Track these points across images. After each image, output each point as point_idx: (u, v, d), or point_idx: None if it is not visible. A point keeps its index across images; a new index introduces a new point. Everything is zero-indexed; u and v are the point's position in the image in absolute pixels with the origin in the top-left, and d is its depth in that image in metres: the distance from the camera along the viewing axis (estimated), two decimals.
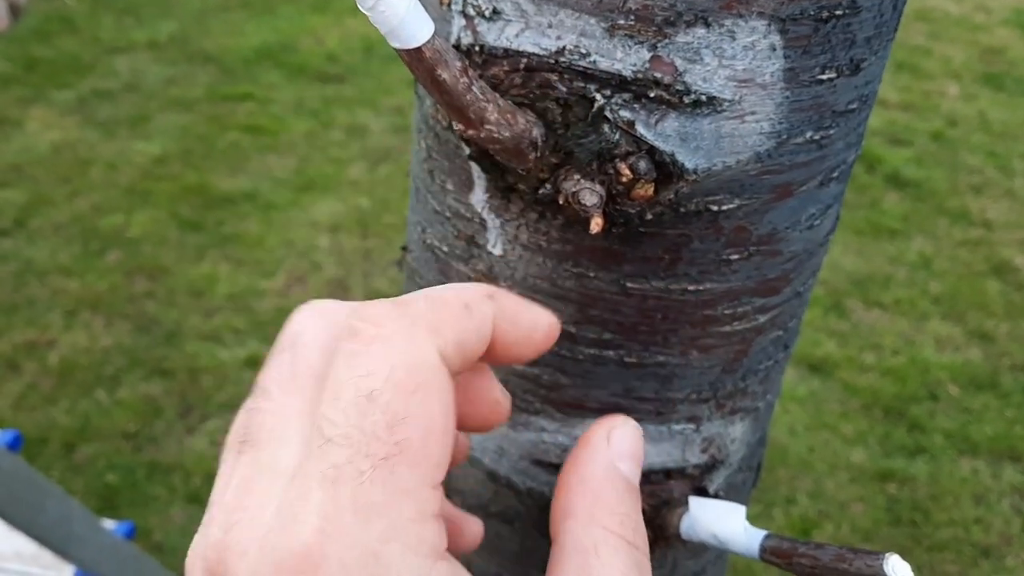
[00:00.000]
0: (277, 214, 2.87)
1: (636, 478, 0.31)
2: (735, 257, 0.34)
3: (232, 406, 2.23)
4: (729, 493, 0.42)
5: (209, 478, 2.05)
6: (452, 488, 0.42)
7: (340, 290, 2.58)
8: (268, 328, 2.45)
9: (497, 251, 0.35)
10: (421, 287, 0.40)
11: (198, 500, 2.01)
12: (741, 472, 0.42)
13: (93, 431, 2.14)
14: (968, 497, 2.13)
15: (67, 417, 2.17)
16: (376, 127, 3.32)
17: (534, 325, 0.29)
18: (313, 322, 0.28)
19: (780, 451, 2.21)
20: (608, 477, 0.30)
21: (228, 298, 2.54)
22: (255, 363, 2.34)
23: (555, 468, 0.38)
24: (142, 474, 2.05)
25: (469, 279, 0.36)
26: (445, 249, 0.37)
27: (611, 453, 0.31)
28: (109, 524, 1.18)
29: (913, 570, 0.31)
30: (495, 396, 0.31)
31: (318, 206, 2.91)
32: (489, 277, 0.36)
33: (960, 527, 2.06)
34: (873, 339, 2.53)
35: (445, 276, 0.38)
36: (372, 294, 2.56)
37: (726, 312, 0.35)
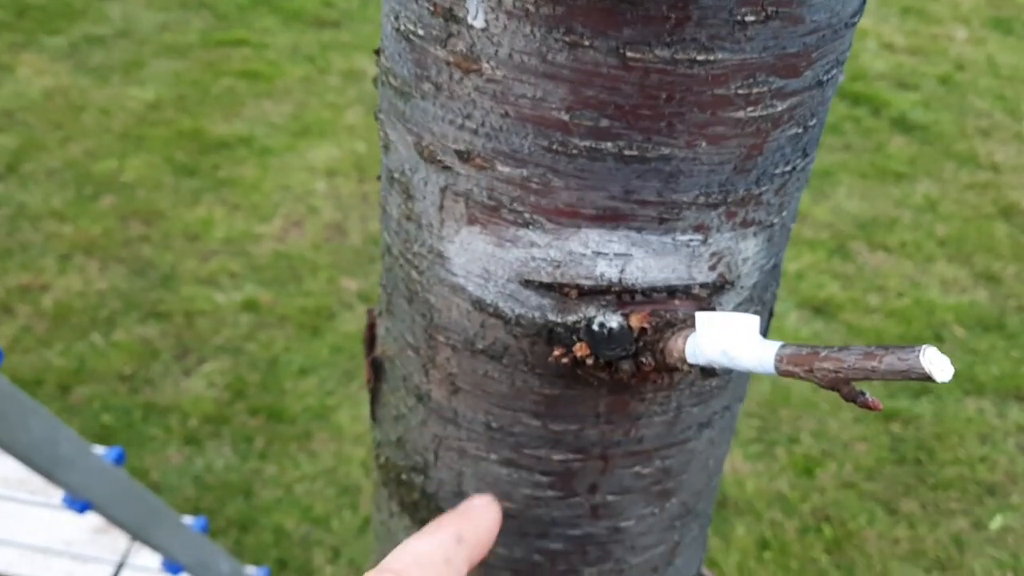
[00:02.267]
0: (273, 159, 2.82)
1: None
2: (751, 19, 0.29)
3: (229, 349, 2.20)
4: None
5: (206, 419, 2.03)
6: (434, 325, 0.38)
7: (338, 234, 2.55)
8: (265, 272, 2.42)
9: (479, 23, 0.31)
10: (395, 88, 0.36)
11: (195, 441, 1.99)
12: (753, 303, 0.38)
13: (89, 373, 2.12)
14: (973, 436, 2.11)
15: (62, 359, 2.14)
16: (373, 72, 3.26)
17: (493, 532, 0.36)
18: None
19: (783, 391, 2.19)
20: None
21: (224, 242, 2.50)
22: (252, 307, 2.31)
23: (547, 288, 0.35)
24: (138, 415, 2.03)
25: (448, 65, 0.32)
26: (420, 32, 0.33)
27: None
28: (99, 450, 1.15)
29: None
30: None
31: (315, 151, 2.86)
32: (470, 59, 0.31)
33: (965, 466, 2.04)
34: (878, 281, 2.50)
35: (420, 67, 0.33)
36: (369, 238, 2.52)
37: (739, 92, 0.31)
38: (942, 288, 2.49)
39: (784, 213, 0.36)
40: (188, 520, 1.45)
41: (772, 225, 0.36)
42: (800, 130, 0.34)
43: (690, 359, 0.33)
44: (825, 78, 0.33)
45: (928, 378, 0.27)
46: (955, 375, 2.25)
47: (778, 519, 1.91)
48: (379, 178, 0.40)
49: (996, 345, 2.32)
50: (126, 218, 2.57)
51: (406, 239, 0.38)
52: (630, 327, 0.33)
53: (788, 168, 0.35)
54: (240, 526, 1.83)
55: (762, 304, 0.39)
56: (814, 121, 0.34)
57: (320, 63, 3.27)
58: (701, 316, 0.32)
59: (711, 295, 0.35)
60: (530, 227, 0.33)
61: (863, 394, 0.29)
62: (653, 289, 0.34)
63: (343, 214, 2.62)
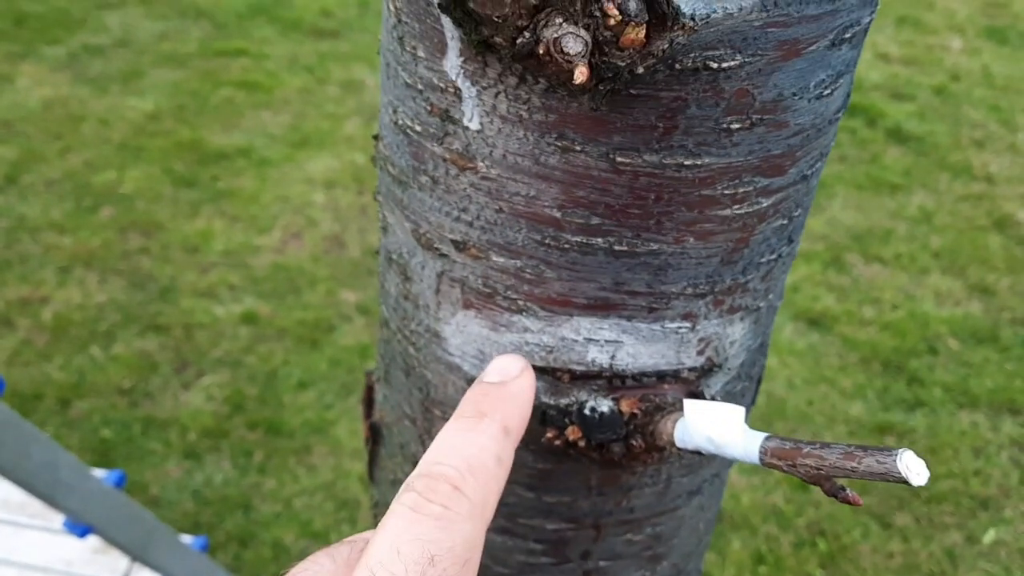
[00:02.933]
0: (272, 170, 2.83)
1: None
2: (736, 127, 0.31)
3: (228, 362, 2.21)
4: (727, 401, 0.39)
5: (205, 433, 2.04)
6: (431, 399, 0.40)
7: (336, 246, 2.56)
8: (264, 284, 2.43)
9: (474, 125, 0.32)
10: (393, 176, 0.37)
11: (194, 455, 2.00)
12: (740, 380, 0.39)
13: (88, 387, 2.13)
14: (967, 449, 2.12)
15: (61, 373, 2.15)
16: (371, 82, 3.27)
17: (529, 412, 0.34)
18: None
19: (778, 404, 2.20)
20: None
21: (223, 254, 2.52)
22: (251, 319, 2.32)
23: (540, 371, 0.36)
24: (138, 429, 2.04)
25: (444, 161, 0.34)
26: (418, 128, 0.34)
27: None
28: (99, 473, 1.16)
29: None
30: None
31: (313, 162, 2.87)
32: (465, 157, 0.33)
33: (959, 479, 2.06)
34: (873, 293, 2.51)
35: (418, 160, 0.35)
36: (368, 249, 2.53)
37: (726, 192, 0.32)
38: (936, 300, 2.50)
39: (770, 296, 0.38)
40: (188, 539, 1.46)
41: (758, 309, 0.37)
42: (785, 221, 0.35)
43: (678, 443, 0.34)
44: (810, 172, 0.35)
45: (904, 482, 0.28)
46: (948, 388, 2.26)
47: (773, 533, 1.92)
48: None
49: (990, 358, 2.33)
50: (125, 230, 2.58)
51: (403, 317, 0.39)
52: (620, 411, 0.35)
53: (774, 256, 0.36)
54: (239, 540, 1.84)
55: (749, 379, 0.40)
56: (799, 211, 0.36)
57: (319, 73, 3.28)
58: (689, 404, 0.33)
59: (699, 378, 0.36)
60: (524, 314, 0.35)
61: (844, 490, 0.30)
62: (643, 374, 0.35)
63: (342, 226, 2.64)
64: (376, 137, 0.39)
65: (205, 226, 2.60)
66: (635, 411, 0.35)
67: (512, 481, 0.39)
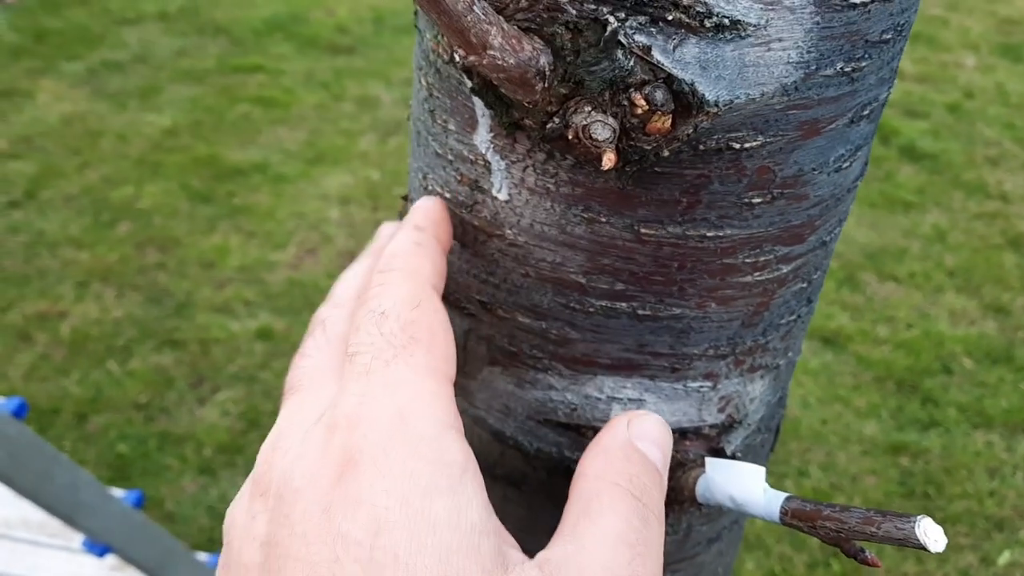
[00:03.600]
0: (288, 186, 2.85)
1: (658, 459, 0.33)
2: (758, 201, 0.32)
3: (243, 378, 2.23)
4: (747, 455, 0.40)
5: (220, 449, 2.06)
6: None
7: (351, 261, 2.58)
8: (279, 300, 2.45)
9: (502, 196, 0.33)
10: None
11: (209, 471, 2.02)
12: (760, 433, 0.40)
13: (105, 402, 2.15)
14: (982, 470, 2.11)
15: (79, 388, 2.18)
16: (387, 99, 3.30)
17: (444, 210, 0.36)
18: (330, 310, 0.36)
19: (793, 423, 2.20)
20: (623, 447, 0.32)
21: (239, 270, 2.54)
22: (266, 335, 2.34)
23: (564, 428, 0.37)
24: (154, 444, 2.06)
25: (473, 228, 0.35)
26: (447, 195, 0.35)
27: (630, 432, 0.33)
28: (118, 493, 1.18)
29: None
30: None
31: (329, 178, 2.89)
32: (494, 224, 0.34)
33: (974, 500, 2.05)
34: (887, 312, 2.51)
35: None
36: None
37: (747, 261, 0.33)
38: (951, 319, 2.50)
39: (790, 353, 0.39)
40: (204, 557, 1.47)
41: (778, 367, 0.38)
42: (805, 284, 0.36)
43: (700, 499, 0.35)
44: (828, 238, 0.36)
45: (923, 547, 0.29)
46: (963, 408, 2.26)
47: (787, 553, 1.92)
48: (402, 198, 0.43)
49: (1005, 378, 2.33)
50: (142, 245, 2.61)
51: None
52: None
53: (793, 318, 0.37)
54: None
55: (768, 431, 0.41)
56: (818, 274, 0.37)
57: (335, 90, 3.31)
58: (711, 463, 0.34)
59: (720, 434, 0.37)
60: (548, 372, 0.36)
61: (863, 551, 0.31)
62: None
63: (356, 242, 2.65)
64: (405, 198, 0.40)
65: (221, 242, 2.62)
66: None
67: (535, 531, 0.40)
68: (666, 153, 0.29)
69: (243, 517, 0.30)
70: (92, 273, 2.50)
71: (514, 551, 0.30)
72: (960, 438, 2.18)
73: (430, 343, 0.31)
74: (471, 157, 0.33)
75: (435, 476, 0.28)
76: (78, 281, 2.47)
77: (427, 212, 0.35)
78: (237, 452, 2.06)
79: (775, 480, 2.07)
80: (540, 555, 0.30)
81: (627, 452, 0.32)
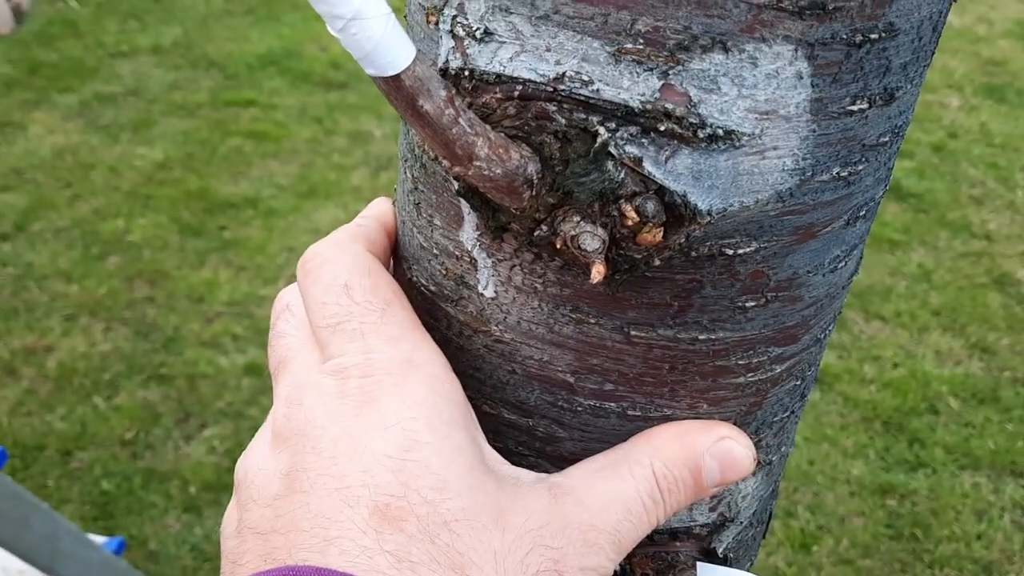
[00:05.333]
0: (279, 220, 2.86)
1: (712, 480, 0.34)
2: (751, 304, 0.31)
3: (230, 414, 2.22)
4: (738, 549, 0.39)
5: (206, 486, 2.04)
6: None
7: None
8: (268, 335, 2.44)
9: (488, 293, 0.33)
10: None
11: (194, 509, 2.00)
12: (752, 527, 0.40)
13: (90, 438, 2.13)
14: (969, 512, 2.12)
15: (64, 424, 2.16)
16: (379, 134, 3.31)
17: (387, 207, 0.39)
18: (293, 292, 0.38)
19: None
20: (692, 449, 0.33)
21: (228, 304, 2.53)
22: (255, 370, 2.33)
23: None
24: (138, 482, 2.04)
25: (458, 322, 0.35)
26: (433, 288, 0.35)
27: (715, 446, 0.33)
28: (99, 539, 1.16)
29: None
30: None
31: (320, 212, 2.90)
32: (480, 320, 0.34)
33: (961, 542, 2.05)
34: (873, 351, 2.52)
35: (432, 317, 0.35)
36: None
37: (740, 363, 0.33)
38: (937, 359, 2.51)
39: (783, 448, 0.39)
40: None
41: (771, 462, 0.38)
42: (798, 382, 0.36)
43: None
44: (823, 335, 0.36)
45: None
46: (950, 449, 2.26)
47: None
48: None
49: (991, 418, 2.34)
50: (132, 279, 2.60)
51: None
52: (633, 571, 0.36)
53: (787, 414, 0.37)
54: None
55: (761, 523, 0.41)
56: (812, 370, 0.37)
57: (327, 124, 3.33)
58: (701, 569, 0.34)
59: (711, 533, 0.37)
60: (535, 470, 0.36)
61: None
62: (656, 532, 0.36)
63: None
64: None
65: (211, 276, 2.62)
66: (648, 571, 0.36)
67: None
68: (657, 262, 0.29)
69: (263, 460, 0.32)
70: (80, 306, 2.49)
71: (524, 472, 0.33)
72: (947, 479, 2.19)
73: (402, 300, 0.34)
74: (456, 253, 0.33)
75: (453, 411, 0.31)
76: (66, 315, 2.46)
77: (374, 205, 0.39)
78: (223, 490, 2.04)
79: None
80: (554, 477, 0.33)
81: (692, 455, 0.33)
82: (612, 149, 0.28)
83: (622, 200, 0.28)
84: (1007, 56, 4.08)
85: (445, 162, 0.28)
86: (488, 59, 0.29)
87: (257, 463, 0.32)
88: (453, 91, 0.27)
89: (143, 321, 2.47)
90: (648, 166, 0.28)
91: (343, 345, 0.33)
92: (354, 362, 0.32)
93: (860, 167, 0.31)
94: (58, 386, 2.26)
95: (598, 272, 0.28)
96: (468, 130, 0.26)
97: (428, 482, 0.29)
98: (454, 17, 0.29)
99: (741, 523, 0.38)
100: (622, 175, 0.28)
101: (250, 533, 0.31)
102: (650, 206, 0.28)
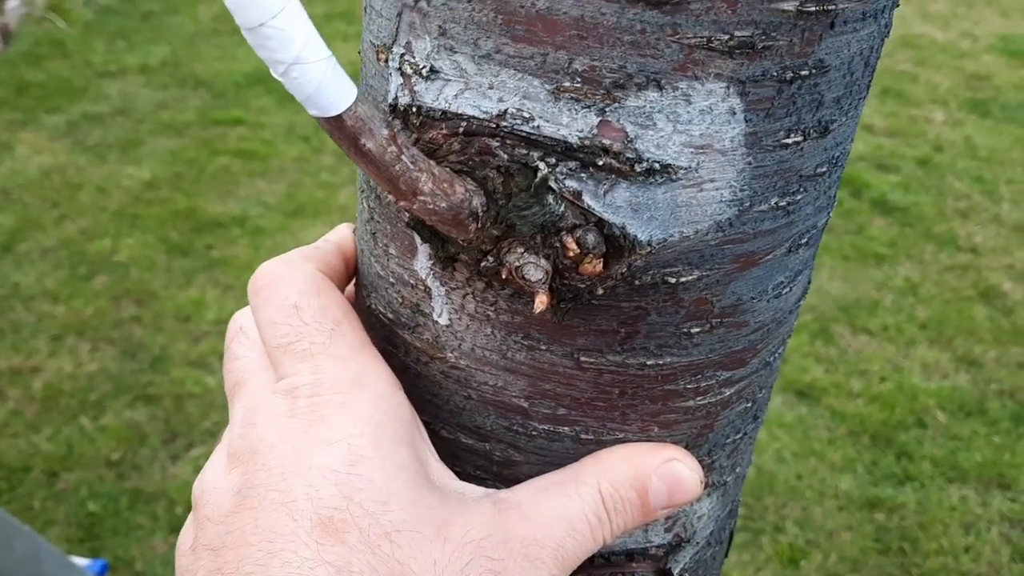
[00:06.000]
0: (266, 239, 2.86)
1: (659, 502, 0.34)
2: (696, 330, 0.32)
3: (217, 433, 2.21)
4: (696, 570, 0.40)
5: (191, 507, 2.03)
6: None
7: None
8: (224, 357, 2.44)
9: (443, 320, 0.33)
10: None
11: (180, 529, 1.99)
12: (710, 547, 0.40)
13: (76, 458, 2.12)
14: (957, 525, 2.12)
15: (50, 444, 2.15)
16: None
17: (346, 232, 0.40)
18: (247, 314, 0.38)
19: (768, 478, 2.20)
20: (640, 470, 0.34)
21: (216, 323, 2.53)
22: None
23: None
24: (125, 503, 2.03)
25: (415, 349, 0.35)
26: (390, 316, 0.36)
27: (662, 467, 0.34)
28: (82, 562, 1.16)
29: None
30: None
31: (308, 231, 2.90)
32: (435, 347, 0.34)
33: (949, 556, 2.05)
34: (860, 365, 2.53)
35: (391, 344, 0.36)
36: None
37: (688, 387, 0.34)
38: (924, 372, 2.52)
39: (738, 469, 0.39)
40: None
41: (725, 483, 0.39)
42: (749, 404, 0.37)
43: None
44: (772, 359, 0.36)
45: None
46: (937, 462, 2.27)
47: None
48: None
49: (978, 431, 2.34)
50: (119, 298, 2.60)
51: None
52: None
53: (739, 435, 0.37)
54: None
55: (719, 543, 0.41)
56: (763, 392, 0.37)
57: (314, 142, 3.34)
58: None
59: (668, 554, 0.38)
60: None
61: None
62: (612, 553, 0.36)
63: None
64: None
65: (198, 295, 2.62)
66: None
67: None
68: (600, 291, 0.30)
69: (218, 479, 0.33)
70: (67, 327, 2.48)
71: (471, 487, 0.33)
72: (935, 493, 2.19)
73: (348, 321, 0.35)
74: (411, 281, 0.34)
75: (398, 428, 0.32)
76: (53, 335, 2.46)
77: (336, 230, 0.40)
78: None
79: (751, 536, 2.06)
80: (501, 493, 0.33)
81: (639, 476, 0.34)
82: (552, 183, 0.28)
83: (563, 232, 0.29)
84: (991, 71, 4.12)
85: (390, 197, 0.28)
86: (434, 96, 0.29)
87: (213, 482, 0.33)
88: (396, 129, 0.27)
89: (130, 341, 2.46)
90: (587, 199, 0.28)
91: (294, 365, 0.34)
92: (304, 382, 0.33)
93: (799, 197, 0.31)
94: (44, 407, 2.25)
95: (541, 302, 0.28)
96: (411, 166, 0.27)
97: (371, 495, 0.30)
98: (402, 55, 0.30)
99: (698, 544, 0.39)
100: (562, 208, 0.28)
101: (204, 550, 0.31)
102: (590, 238, 0.28)
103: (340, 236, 0.40)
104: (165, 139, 3.30)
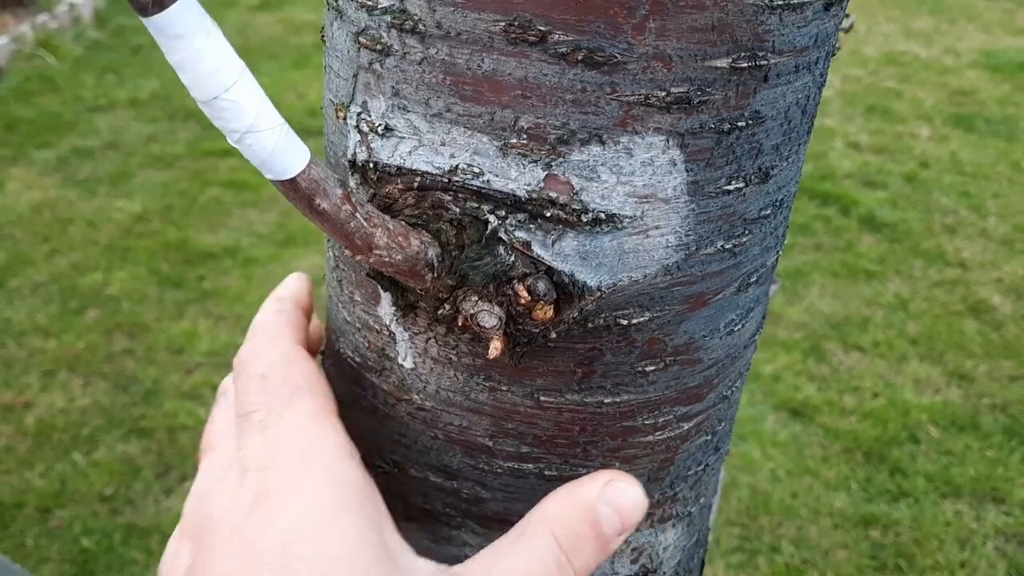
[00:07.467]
0: (258, 269, 2.87)
1: (613, 529, 0.34)
2: (651, 368, 0.33)
3: None
4: None
5: None
6: None
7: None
8: None
9: (408, 364, 0.35)
10: (337, 394, 0.40)
11: None
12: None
13: (69, 494, 2.12)
14: (952, 541, 2.12)
15: (43, 480, 2.14)
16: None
17: (302, 283, 0.42)
18: (230, 382, 0.40)
19: (763, 498, 2.20)
20: (583, 504, 0.34)
21: (208, 355, 2.53)
22: None
23: None
24: (119, 538, 2.03)
25: (383, 391, 0.36)
26: (357, 360, 0.37)
27: (603, 492, 0.34)
28: None
29: None
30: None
31: (299, 260, 2.91)
32: (401, 389, 0.36)
33: (946, 571, 2.05)
34: (852, 382, 2.54)
35: (359, 386, 0.37)
36: None
37: (647, 423, 0.35)
38: (916, 388, 2.53)
39: (702, 499, 0.40)
40: None
41: (690, 514, 0.39)
42: (709, 437, 0.38)
43: None
44: (729, 392, 0.37)
45: None
46: (931, 478, 2.27)
47: None
48: None
49: (971, 445, 2.35)
50: (110, 332, 2.60)
51: None
52: None
53: (701, 467, 0.38)
54: None
55: (688, 571, 0.42)
56: (723, 424, 0.38)
57: None
58: None
59: None
60: (462, 529, 0.37)
61: None
62: None
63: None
64: (323, 353, 0.42)
65: (190, 326, 2.62)
66: None
67: None
68: (553, 335, 0.31)
69: (174, 550, 0.34)
70: (59, 361, 2.48)
71: (423, 561, 0.33)
72: (929, 508, 2.19)
73: (311, 388, 0.35)
74: (376, 327, 0.35)
75: (340, 498, 0.32)
76: (44, 370, 2.45)
77: (288, 285, 0.42)
78: None
79: (747, 557, 2.06)
80: (454, 568, 0.33)
81: (585, 508, 0.33)
82: (502, 235, 0.30)
83: (515, 280, 0.30)
84: (974, 86, 4.16)
85: (347, 252, 0.29)
86: (390, 153, 0.31)
87: (171, 550, 0.35)
88: (355, 182, 0.28)
89: (122, 374, 2.46)
90: (537, 249, 0.30)
91: (249, 437, 0.34)
92: (253, 455, 0.33)
93: (744, 239, 0.33)
94: (36, 442, 2.25)
95: (495, 347, 0.30)
96: (364, 223, 0.28)
97: None
98: (359, 114, 0.31)
99: (665, 573, 0.39)
100: (513, 258, 0.30)
101: None
102: (541, 285, 0.29)
103: (295, 290, 0.41)
104: (155, 172, 3.32)
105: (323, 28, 0.34)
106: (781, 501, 2.20)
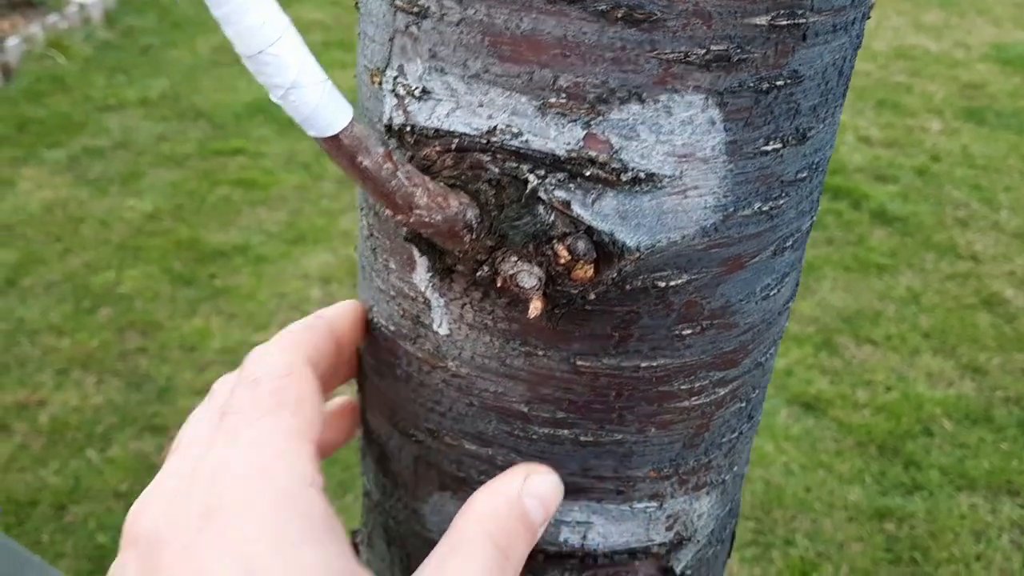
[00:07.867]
0: (269, 267, 2.87)
1: (539, 518, 0.35)
2: (688, 332, 0.33)
3: None
4: (699, 568, 0.41)
5: None
6: (411, 570, 0.42)
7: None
8: None
9: (443, 331, 0.35)
10: (371, 366, 0.40)
11: None
12: (711, 546, 0.41)
13: (84, 491, 2.12)
14: (967, 533, 2.11)
15: (57, 478, 2.15)
16: None
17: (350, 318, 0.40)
18: (224, 379, 0.39)
19: (777, 491, 2.20)
20: (510, 499, 0.34)
21: (220, 352, 2.54)
22: None
23: None
24: None
25: (417, 359, 0.36)
26: (392, 328, 0.37)
27: (524, 486, 0.35)
28: None
29: None
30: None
31: (309, 258, 2.92)
32: (437, 356, 0.35)
33: (961, 564, 2.04)
34: (865, 376, 2.53)
35: (393, 355, 0.37)
36: None
37: (683, 387, 0.35)
38: (929, 381, 2.52)
39: (735, 468, 0.40)
40: None
41: (724, 482, 0.40)
42: (743, 404, 0.38)
43: None
44: (764, 359, 0.37)
45: None
46: (945, 471, 2.26)
47: None
48: None
49: (985, 438, 2.34)
50: (123, 330, 2.61)
51: (383, 492, 0.41)
52: None
53: (735, 435, 0.38)
54: None
55: (721, 542, 0.42)
56: (757, 392, 0.38)
57: (315, 170, 3.36)
58: None
59: (669, 552, 0.38)
60: None
61: None
62: (614, 552, 0.37)
63: None
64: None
65: (203, 324, 2.63)
66: None
67: None
68: (592, 296, 0.31)
69: (116, 570, 0.32)
70: (72, 360, 2.49)
71: None
72: (944, 501, 2.18)
73: (296, 407, 0.34)
74: (411, 294, 0.35)
75: (302, 527, 0.30)
76: (58, 369, 2.46)
77: (334, 307, 0.40)
78: None
79: (761, 550, 2.05)
80: None
81: (511, 504, 0.34)
82: (542, 194, 0.30)
83: (555, 240, 0.30)
84: (985, 79, 4.15)
85: (388, 212, 0.29)
86: (427, 115, 0.31)
87: (119, 562, 0.32)
88: (391, 147, 0.29)
89: (135, 372, 2.47)
90: (576, 208, 0.30)
91: (216, 442, 0.32)
92: (210, 465, 0.31)
93: (781, 201, 0.33)
94: (51, 440, 2.26)
95: (535, 308, 0.30)
96: (406, 182, 0.28)
97: None
98: (395, 78, 0.31)
99: (699, 542, 0.39)
100: (552, 218, 0.30)
101: None
102: (580, 245, 0.29)
103: (334, 315, 0.39)
104: (166, 171, 3.33)
105: None
106: (795, 495, 2.19)
